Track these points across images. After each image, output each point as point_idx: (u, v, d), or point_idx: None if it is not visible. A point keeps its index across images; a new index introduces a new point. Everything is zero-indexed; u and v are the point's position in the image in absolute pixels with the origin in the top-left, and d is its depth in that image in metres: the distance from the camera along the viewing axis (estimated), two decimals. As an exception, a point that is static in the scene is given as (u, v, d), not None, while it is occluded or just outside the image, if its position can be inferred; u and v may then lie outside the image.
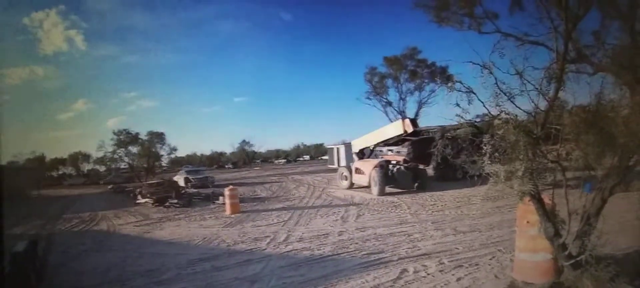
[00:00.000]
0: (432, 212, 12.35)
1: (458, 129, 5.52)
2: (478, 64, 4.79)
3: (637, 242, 5.74)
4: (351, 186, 20.40)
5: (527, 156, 4.45)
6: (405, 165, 18.29)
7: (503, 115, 4.67)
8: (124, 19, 77.91)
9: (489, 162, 4.59)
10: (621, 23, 5.01)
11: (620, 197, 5.00)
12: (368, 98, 38.16)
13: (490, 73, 4.72)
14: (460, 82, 4.91)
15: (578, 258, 4.58)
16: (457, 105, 4.91)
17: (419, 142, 19.00)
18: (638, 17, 4.66)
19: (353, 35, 76.66)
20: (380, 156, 20.49)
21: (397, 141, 19.76)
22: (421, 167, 18.86)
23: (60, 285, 7.68)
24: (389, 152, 19.99)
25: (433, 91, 36.06)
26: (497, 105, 4.72)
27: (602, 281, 4.36)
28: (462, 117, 4.95)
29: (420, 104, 36.74)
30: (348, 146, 39.53)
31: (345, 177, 21.12)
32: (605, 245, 4.75)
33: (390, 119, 35.85)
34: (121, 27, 78.84)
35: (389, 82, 36.88)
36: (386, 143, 20.30)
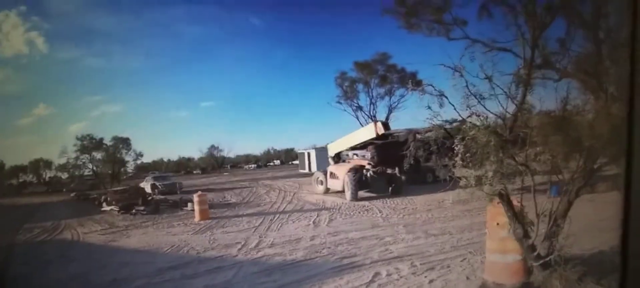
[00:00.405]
0: (403, 215, 12.47)
1: (428, 131, 5.60)
2: (449, 67, 4.88)
3: (602, 243, 5.93)
4: (327, 191, 20.27)
5: (497, 157, 4.54)
6: (377, 169, 18.24)
7: (474, 117, 4.76)
8: (87, 20, 75.45)
9: (461, 162, 4.66)
10: (585, 32, 5.19)
11: (586, 200, 5.16)
12: (339, 102, 38.40)
13: (461, 76, 4.81)
14: (432, 86, 5.00)
15: (547, 259, 4.70)
16: (429, 108, 4.99)
17: (382, 146, 18.96)
18: (601, 26, 4.84)
19: (323, 40, 76.76)
20: (346, 160, 20.46)
21: (363, 145, 19.77)
22: (389, 171, 18.79)
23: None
24: (355, 156, 19.97)
25: (403, 96, 36.66)
26: (467, 108, 4.81)
27: (570, 281, 4.49)
28: (434, 119, 5.02)
29: (391, 109, 37.24)
30: (319, 150, 39.60)
31: (321, 181, 20.97)
32: (573, 246, 4.89)
33: (361, 123, 36.15)
34: (85, 29, 76.30)
35: (360, 86, 37.25)
36: (355, 147, 20.30)
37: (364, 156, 19.31)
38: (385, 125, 19.00)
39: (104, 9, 76.22)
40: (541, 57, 5.23)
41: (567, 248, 4.76)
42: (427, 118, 5.16)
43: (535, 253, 4.84)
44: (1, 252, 10.26)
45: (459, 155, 4.67)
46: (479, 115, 4.79)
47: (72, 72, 79.25)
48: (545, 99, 5.02)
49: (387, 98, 36.97)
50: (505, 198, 4.90)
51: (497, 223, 5.45)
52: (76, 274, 8.43)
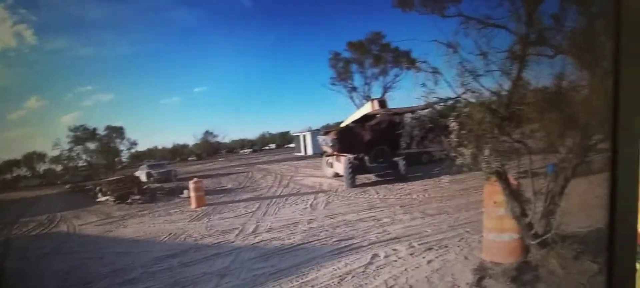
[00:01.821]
0: (400, 196, 12.49)
1: (410, 111, 5.50)
2: (443, 44, 4.82)
3: (597, 221, 5.93)
4: (336, 175, 18.91)
5: (493, 134, 4.51)
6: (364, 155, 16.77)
7: (469, 93, 4.72)
8: (75, 9, 74.54)
9: (456, 140, 4.64)
10: (579, 7, 5.13)
11: (583, 177, 5.15)
12: (333, 84, 38.07)
13: (456, 52, 4.75)
14: (426, 62, 4.95)
15: (544, 237, 4.71)
16: (424, 85, 4.95)
17: (344, 130, 17.71)
18: (595, 1, 4.78)
19: (315, 20, 75.96)
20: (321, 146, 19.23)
21: (327, 131, 18.80)
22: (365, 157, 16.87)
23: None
24: (323, 142, 18.97)
25: (397, 75, 36.39)
26: (462, 85, 4.76)
27: (567, 259, 4.50)
28: (429, 97, 4.98)
29: (386, 88, 36.98)
30: (314, 133, 39.37)
31: (331, 164, 19.66)
32: (570, 224, 4.90)
33: (355, 105, 35.94)
34: (73, 19, 75.23)
35: (354, 67, 36.92)
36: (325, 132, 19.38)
37: (326, 142, 18.27)
38: (381, 102, 18.17)
39: (92, -4, 75.19)
40: (536, 33, 5.17)
41: (564, 227, 4.77)
42: (422, 95, 5.12)
43: (533, 232, 4.86)
44: (-1, 247, 10.25)
45: (454, 133, 4.64)
46: (473, 92, 4.74)
47: (62, 62, 78.19)
48: (540, 75, 4.98)
49: (381, 78, 36.79)
50: (502, 177, 4.89)
51: (494, 202, 5.45)
52: (74, 266, 8.44)
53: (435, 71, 4.95)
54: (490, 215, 5.63)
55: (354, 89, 37.10)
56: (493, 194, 5.44)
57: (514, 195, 4.96)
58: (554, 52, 5.38)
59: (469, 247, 6.55)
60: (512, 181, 5.14)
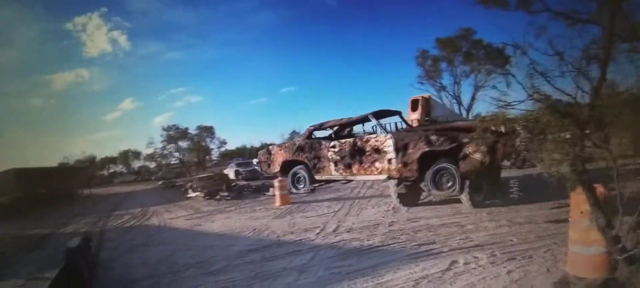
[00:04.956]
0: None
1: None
2: (509, 45, 4.85)
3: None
4: None
5: (557, 139, 4.44)
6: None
7: (536, 96, 4.68)
8: (165, 16, 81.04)
9: (523, 145, 4.64)
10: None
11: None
12: (420, 83, 37.55)
13: (524, 53, 4.75)
14: (491, 65, 5.03)
15: (631, 252, 4.56)
16: (495, 87, 5.04)
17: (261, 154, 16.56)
18: None
19: (401, 17, 75.10)
20: None
21: None
22: None
23: (111, 278, 8.40)
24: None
25: (491, 73, 34.80)
26: (531, 88, 4.73)
27: None
28: (501, 101, 5.01)
29: (476, 88, 35.57)
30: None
31: None
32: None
33: (445, 104, 35.08)
34: (163, 25, 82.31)
35: (443, 65, 36.12)
36: None
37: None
38: (413, 102, 15.85)
39: (181, 4, 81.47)
40: (629, 26, 4.96)
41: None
42: (495, 98, 5.16)
43: (620, 246, 4.71)
44: (95, 237, 11.74)
45: (518, 139, 4.66)
46: (542, 95, 4.68)
47: (154, 66, 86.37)
48: (632, 74, 4.80)
49: (472, 76, 35.51)
50: (586, 184, 4.80)
51: (581, 212, 5.32)
52: (162, 257, 9.45)
53: (507, 73, 5.00)
54: (575, 225, 5.49)
55: (443, 87, 36.32)
56: (580, 203, 5.29)
57: (599, 205, 4.83)
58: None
59: (554, 259, 6.41)
60: (602, 189, 5.02)
